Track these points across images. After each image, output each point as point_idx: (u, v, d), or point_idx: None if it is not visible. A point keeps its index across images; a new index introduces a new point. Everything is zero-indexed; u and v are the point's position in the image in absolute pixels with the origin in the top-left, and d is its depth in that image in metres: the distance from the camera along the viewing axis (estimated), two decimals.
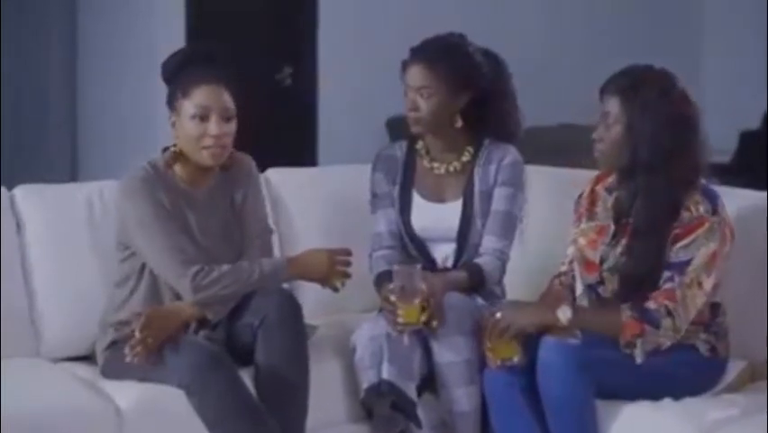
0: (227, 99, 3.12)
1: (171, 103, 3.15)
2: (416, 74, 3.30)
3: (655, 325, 2.85)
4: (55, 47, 7.51)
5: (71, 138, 7.58)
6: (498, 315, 2.95)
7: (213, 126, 3.09)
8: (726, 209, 2.95)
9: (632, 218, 2.99)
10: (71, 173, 7.36)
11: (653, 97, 2.94)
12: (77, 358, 3.31)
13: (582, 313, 2.97)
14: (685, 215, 2.90)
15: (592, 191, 3.17)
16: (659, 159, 2.91)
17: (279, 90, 7.17)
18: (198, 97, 3.10)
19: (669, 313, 2.85)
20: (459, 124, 3.36)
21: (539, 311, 2.99)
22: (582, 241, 3.12)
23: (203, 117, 3.09)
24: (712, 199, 2.93)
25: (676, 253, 2.89)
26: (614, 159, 3.01)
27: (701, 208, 2.90)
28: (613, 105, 2.97)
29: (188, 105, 3.10)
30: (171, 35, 6.72)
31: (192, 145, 3.12)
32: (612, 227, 3.05)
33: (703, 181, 2.98)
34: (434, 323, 3.07)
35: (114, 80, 7.23)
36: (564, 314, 2.91)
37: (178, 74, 3.14)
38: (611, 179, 3.12)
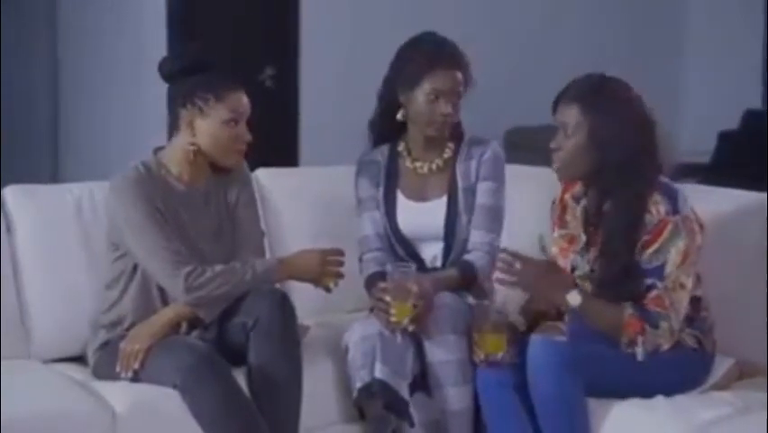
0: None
1: (193, 102, 3.13)
2: (457, 80, 3.33)
3: (654, 325, 2.89)
4: (38, 49, 7.47)
5: (53, 142, 7.55)
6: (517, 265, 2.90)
7: (245, 131, 3.17)
8: (688, 203, 2.96)
9: (602, 225, 3.00)
10: (52, 177, 7.32)
11: (613, 101, 2.96)
12: (67, 359, 3.30)
13: (590, 301, 2.94)
14: (647, 218, 2.92)
15: (562, 199, 3.19)
16: (627, 160, 2.92)
17: (261, 91, 7.16)
18: (234, 103, 3.15)
19: (663, 318, 2.89)
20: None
21: (553, 287, 2.96)
22: (554, 249, 3.15)
23: (236, 121, 3.14)
24: (672, 197, 2.93)
25: (648, 259, 2.91)
26: (576, 167, 3.00)
27: (662, 209, 2.91)
28: (572, 114, 2.97)
29: (223, 110, 3.13)
30: (153, 37, 6.71)
31: (222, 147, 3.16)
32: (583, 237, 3.07)
33: (664, 180, 2.99)
34: (411, 328, 3.08)
35: (96, 83, 7.21)
36: (574, 299, 2.91)
37: (206, 74, 3.14)
38: (577, 188, 3.12)
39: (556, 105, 3.02)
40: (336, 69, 7.21)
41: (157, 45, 6.69)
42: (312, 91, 7.27)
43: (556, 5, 8.03)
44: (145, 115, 6.56)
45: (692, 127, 7.99)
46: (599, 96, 2.96)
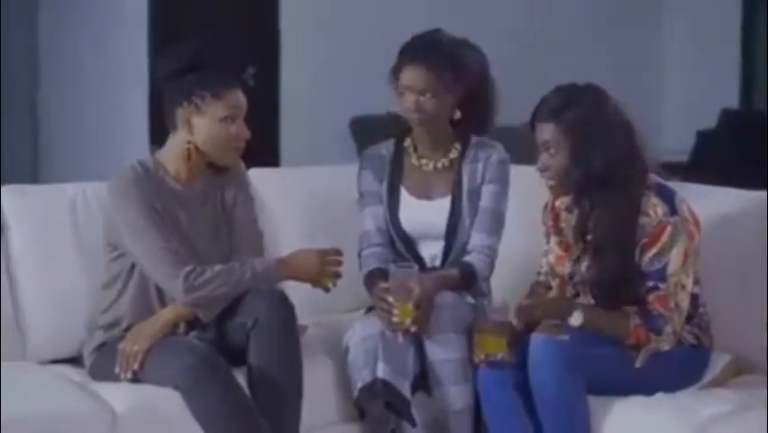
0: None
1: (190, 100, 3.12)
2: (418, 76, 3.28)
3: (658, 332, 2.92)
4: (16, 47, 7.43)
5: (32, 141, 7.52)
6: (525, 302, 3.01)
7: (243, 129, 3.17)
8: (684, 204, 2.98)
9: (595, 231, 3.02)
10: (32, 176, 7.28)
11: (589, 111, 2.97)
12: (62, 360, 3.28)
13: (592, 317, 2.97)
14: (645, 220, 2.93)
15: (554, 207, 3.20)
16: (612, 167, 2.94)
17: (243, 91, 7.12)
18: (231, 100, 3.15)
19: (666, 322, 2.92)
20: (458, 115, 3.38)
21: (557, 311, 3.00)
22: (551, 258, 3.18)
23: (233, 119, 3.12)
24: (668, 198, 2.96)
25: (650, 261, 2.93)
26: (568, 182, 3.01)
27: (659, 211, 2.93)
28: (551, 132, 2.98)
29: (220, 107, 3.12)
30: (136, 37, 6.69)
31: (219, 145, 3.15)
32: (578, 244, 3.09)
33: (657, 180, 3.01)
34: (413, 328, 3.08)
35: (76, 82, 7.18)
36: (576, 320, 2.95)
37: (203, 72, 3.13)
38: (567, 198, 3.13)
39: (533, 123, 3.03)
40: (317, 68, 7.20)
41: (140, 46, 6.67)
42: (292, 91, 7.27)
43: (538, 8, 8.07)
44: (127, 118, 6.54)
45: (671, 126, 8.05)
46: (573, 110, 2.96)
